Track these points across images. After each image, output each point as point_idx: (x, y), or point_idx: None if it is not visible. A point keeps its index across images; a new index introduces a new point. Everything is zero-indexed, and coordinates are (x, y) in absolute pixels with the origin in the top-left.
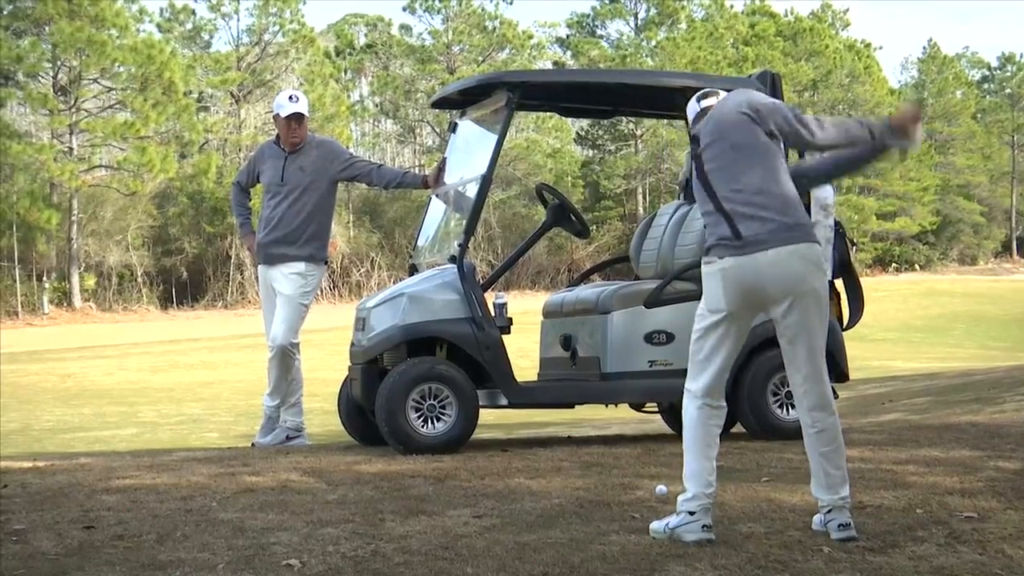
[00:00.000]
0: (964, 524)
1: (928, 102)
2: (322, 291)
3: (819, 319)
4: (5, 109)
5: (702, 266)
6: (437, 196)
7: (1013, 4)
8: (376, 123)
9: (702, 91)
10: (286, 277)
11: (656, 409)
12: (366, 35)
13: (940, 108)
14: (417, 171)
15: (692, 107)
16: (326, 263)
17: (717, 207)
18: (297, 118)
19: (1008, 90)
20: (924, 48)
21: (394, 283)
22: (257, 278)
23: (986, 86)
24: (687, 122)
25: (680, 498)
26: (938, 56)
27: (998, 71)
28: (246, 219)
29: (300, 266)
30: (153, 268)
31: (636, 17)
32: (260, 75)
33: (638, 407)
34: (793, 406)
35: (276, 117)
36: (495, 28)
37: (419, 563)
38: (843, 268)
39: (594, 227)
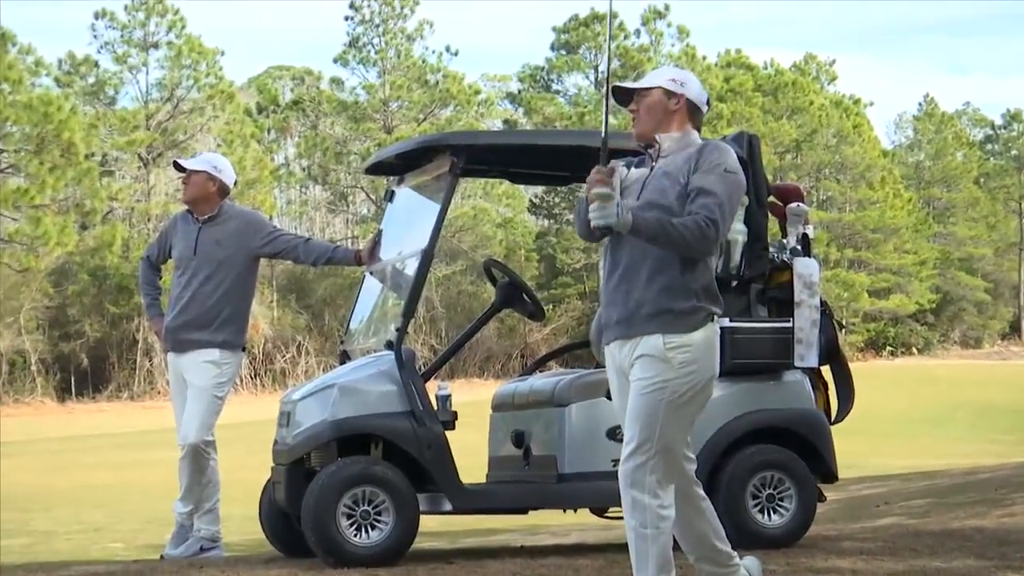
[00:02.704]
0: None
1: (925, 165)
2: (241, 380)
3: None
4: None
5: (706, 325)
6: (372, 273)
7: (1017, 53)
8: (303, 189)
9: None
10: (198, 366)
11: (620, 515)
12: (292, 90)
13: (938, 172)
14: (349, 245)
15: None
16: (244, 350)
17: None
18: (186, 174)
19: (1014, 151)
20: (920, 104)
21: (323, 372)
22: (167, 366)
23: (989, 147)
24: None
25: None
26: (935, 113)
27: (1003, 130)
28: (155, 299)
29: (214, 353)
30: (49, 354)
31: (596, 70)
32: (172, 135)
33: (600, 512)
34: (775, 510)
35: None
36: (438, 82)
37: None
38: (830, 354)
39: (550, 307)
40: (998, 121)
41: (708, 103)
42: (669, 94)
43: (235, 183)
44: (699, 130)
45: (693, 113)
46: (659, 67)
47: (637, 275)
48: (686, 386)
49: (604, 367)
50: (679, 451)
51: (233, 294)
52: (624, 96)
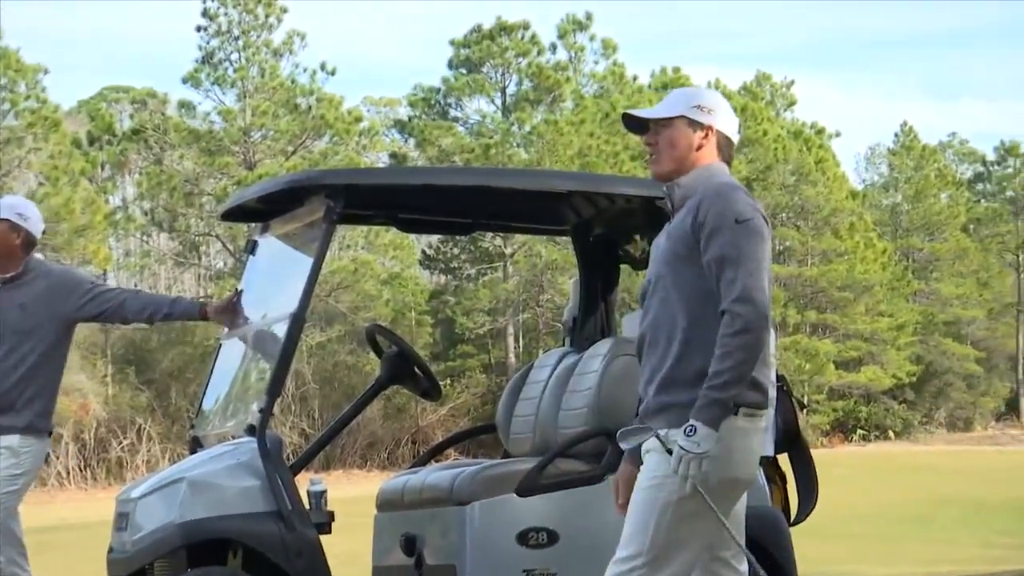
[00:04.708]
0: None
1: (902, 208)
2: (68, 473)
3: None
4: None
5: (741, 419)
6: (230, 339)
7: (1014, 73)
8: (145, 238)
9: None
10: None
11: None
12: (131, 116)
13: (919, 217)
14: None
15: None
16: (50, 434)
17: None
18: None
19: (1010, 192)
20: (896, 135)
21: (170, 463)
22: None
23: (980, 187)
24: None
25: None
26: (915, 146)
27: (996, 166)
28: None
29: (13, 439)
30: None
31: (504, 92)
32: None
33: None
34: None
35: None
36: (310, 107)
37: None
38: (789, 439)
39: (446, 383)
40: (990, 155)
41: (739, 128)
42: (695, 125)
43: (43, 232)
44: (729, 163)
45: (723, 147)
46: (579, 89)
47: (646, 363)
48: (689, 487)
49: (512, 456)
50: (675, 569)
51: (40, 369)
52: (636, 123)
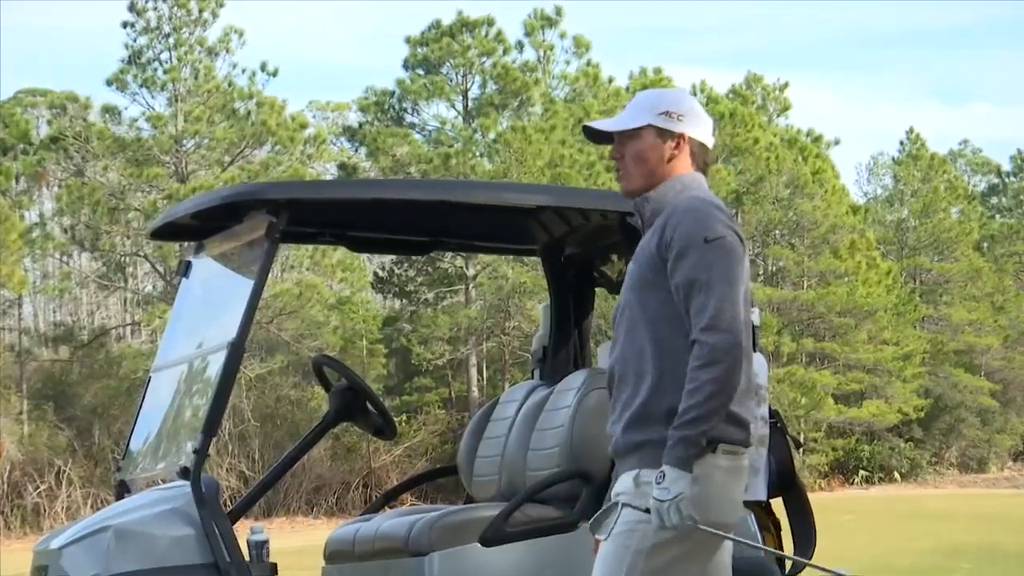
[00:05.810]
0: None
1: (909, 224)
2: None
3: None
4: None
5: (702, 459)
6: (160, 372)
7: None
8: (66, 258)
9: None
10: None
11: None
12: (49, 122)
13: (927, 234)
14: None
15: None
16: None
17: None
18: None
19: None
20: (902, 143)
21: (93, 509)
22: None
23: (994, 200)
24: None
25: None
26: (923, 155)
27: (1011, 178)
28: None
29: None
30: None
31: (466, 96)
32: None
33: None
34: None
35: None
36: (250, 112)
37: None
38: (783, 482)
39: (402, 419)
40: (1005, 166)
41: (713, 130)
42: (664, 134)
43: None
44: (706, 171)
45: (697, 154)
46: (549, 92)
47: (616, 399)
48: (663, 534)
49: (476, 501)
50: None
51: None
52: (600, 133)
